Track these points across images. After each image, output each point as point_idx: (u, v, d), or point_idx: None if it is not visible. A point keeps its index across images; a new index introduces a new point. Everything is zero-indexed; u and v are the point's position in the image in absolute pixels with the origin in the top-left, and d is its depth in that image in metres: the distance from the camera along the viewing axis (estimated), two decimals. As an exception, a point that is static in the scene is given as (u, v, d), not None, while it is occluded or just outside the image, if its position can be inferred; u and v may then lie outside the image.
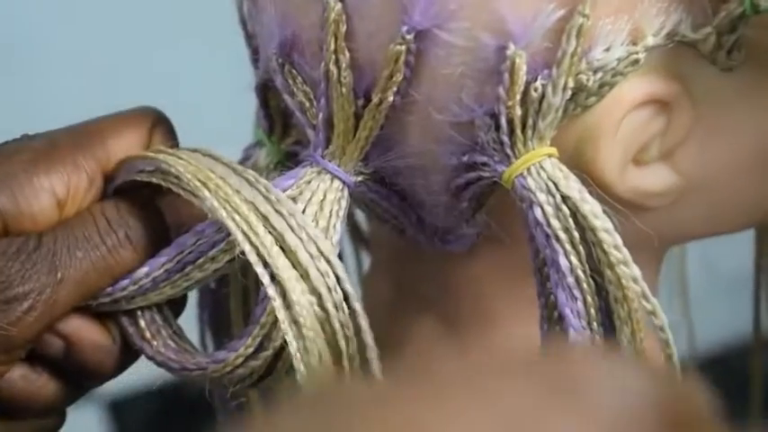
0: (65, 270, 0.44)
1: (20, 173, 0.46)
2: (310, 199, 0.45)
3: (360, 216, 0.61)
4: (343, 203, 0.46)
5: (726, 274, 1.29)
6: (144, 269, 0.45)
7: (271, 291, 0.42)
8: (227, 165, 0.45)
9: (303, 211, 0.45)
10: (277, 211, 0.42)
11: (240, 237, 0.42)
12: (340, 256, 0.59)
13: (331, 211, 0.45)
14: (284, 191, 0.45)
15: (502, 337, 0.52)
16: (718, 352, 1.38)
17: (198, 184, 0.43)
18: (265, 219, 0.42)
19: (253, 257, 0.41)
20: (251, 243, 0.41)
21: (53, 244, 0.45)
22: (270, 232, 0.43)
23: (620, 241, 0.43)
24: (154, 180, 0.46)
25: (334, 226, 0.45)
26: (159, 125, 0.49)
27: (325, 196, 0.45)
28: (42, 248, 0.44)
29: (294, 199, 0.45)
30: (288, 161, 0.50)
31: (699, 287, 0.82)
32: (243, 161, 0.52)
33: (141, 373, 0.51)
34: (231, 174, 0.44)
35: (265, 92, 0.50)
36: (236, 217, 0.42)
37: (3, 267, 0.44)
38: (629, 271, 0.43)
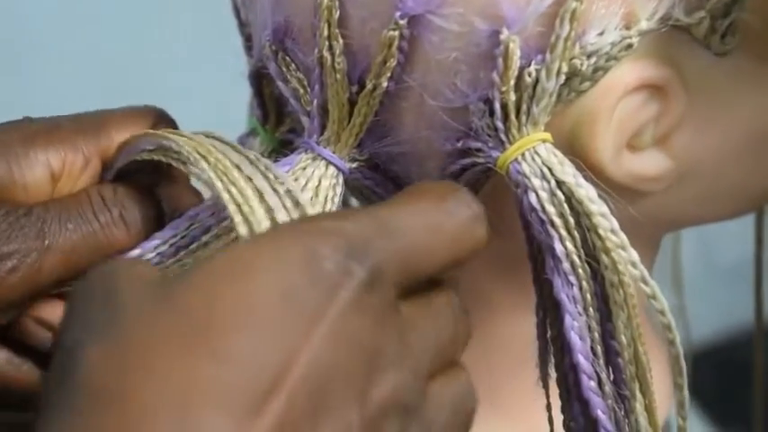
0: (53, 238, 0.44)
1: (16, 144, 0.46)
2: (306, 185, 0.45)
3: (355, 205, 0.61)
4: (338, 189, 0.46)
5: (722, 264, 1.30)
6: (136, 251, 0.45)
7: None
8: (229, 143, 0.45)
9: None
10: (273, 189, 0.42)
11: (233, 208, 0.41)
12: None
13: (326, 197, 0.45)
14: None
15: (498, 325, 0.52)
16: (715, 342, 1.38)
17: (197, 156, 0.43)
18: (260, 195, 0.42)
19: (243, 230, 0.41)
20: (243, 216, 0.41)
21: (44, 213, 0.44)
22: (264, 208, 0.42)
23: (616, 225, 0.43)
24: (154, 158, 0.45)
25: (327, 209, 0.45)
26: (162, 123, 0.48)
27: (320, 182, 0.45)
28: (32, 215, 0.44)
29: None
30: (282, 149, 0.50)
31: (696, 278, 0.82)
32: (237, 150, 0.52)
33: None
34: (232, 151, 0.44)
35: (259, 80, 0.50)
36: (233, 189, 0.42)
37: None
38: (626, 255, 0.43)
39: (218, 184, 0.42)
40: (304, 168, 0.46)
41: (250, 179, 0.42)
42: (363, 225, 0.36)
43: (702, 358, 1.32)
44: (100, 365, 0.33)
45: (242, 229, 0.40)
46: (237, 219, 0.41)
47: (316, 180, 0.45)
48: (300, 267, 0.35)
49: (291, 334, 0.34)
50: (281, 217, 0.41)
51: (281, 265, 0.34)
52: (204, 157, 0.43)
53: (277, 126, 0.51)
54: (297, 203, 0.41)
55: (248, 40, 0.50)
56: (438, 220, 0.38)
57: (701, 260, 1.28)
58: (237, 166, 0.42)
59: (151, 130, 0.46)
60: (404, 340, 0.36)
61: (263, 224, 0.40)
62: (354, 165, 0.47)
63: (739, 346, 1.35)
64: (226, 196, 0.41)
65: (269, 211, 0.41)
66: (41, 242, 0.44)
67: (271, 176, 0.42)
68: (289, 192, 0.42)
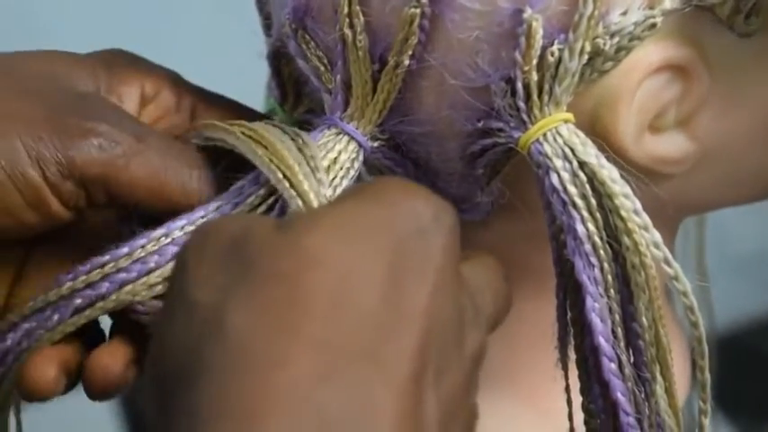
0: (148, 151, 0.44)
1: (120, 60, 0.48)
2: (325, 156, 0.45)
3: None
4: (356, 165, 0.46)
5: (739, 254, 1.29)
6: (200, 212, 0.45)
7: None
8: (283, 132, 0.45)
9: None
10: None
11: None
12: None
13: (341, 168, 0.45)
14: None
15: (517, 307, 0.51)
16: (731, 331, 1.38)
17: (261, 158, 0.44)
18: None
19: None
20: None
21: (147, 128, 0.45)
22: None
23: (639, 206, 0.42)
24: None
25: (335, 188, 0.45)
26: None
27: (339, 155, 0.45)
28: (138, 122, 0.45)
29: None
30: (300, 130, 0.49)
31: (711, 267, 0.82)
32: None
33: None
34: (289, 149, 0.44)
35: (278, 59, 0.49)
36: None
37: (97, 103, 0.45)
38: (649, 236, 0.42)
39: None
40: (326, 143, 0.45)
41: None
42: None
43: (719, 346, 1.32)
44: (250, 332, 0.34)
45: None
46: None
47: (335, 153, 0.45)
48: (406, 221, 0.37)
49: (413, 287, 0.36)
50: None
51: (391, 221, 0.37)
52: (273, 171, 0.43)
53: (295, 106, 0.50)
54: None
55: (267, 18, 0.50)
56: None
57: (717, 250, 1.28)
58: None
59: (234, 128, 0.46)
60: (473, 298, 0.39)
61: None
62: (375, 144, 0.46)
63: (754, 334, 1.35)
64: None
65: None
66: (137, 144, 0.44)
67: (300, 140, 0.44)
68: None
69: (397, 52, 0.43)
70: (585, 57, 0.43)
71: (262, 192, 0.44)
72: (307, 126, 0.50)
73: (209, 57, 1.11)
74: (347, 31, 0.44)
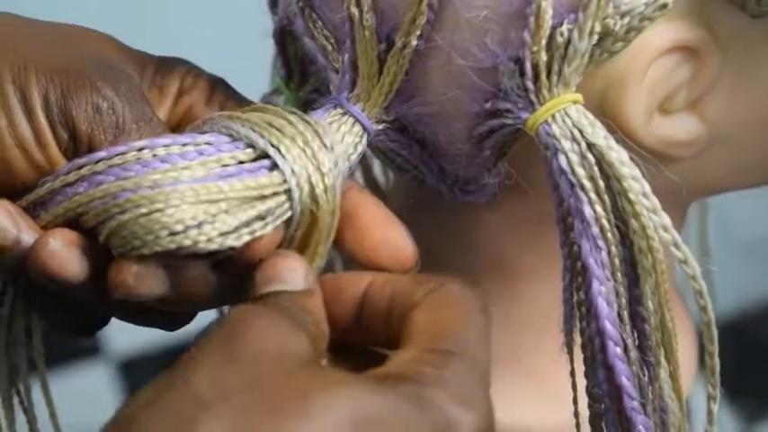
0: (137, 134, 0.44)
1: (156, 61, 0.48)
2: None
3: (377, 170, 0.61)
4: (360, 149, 0.45)
5: (742, 239, 1.29)
6: (165, 140, 0.43)
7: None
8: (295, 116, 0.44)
9: None
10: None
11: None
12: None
13: (344, 152, 0.44)
14: None
15: (523, 290, 0.51)
16: (735, 316, 1.37)
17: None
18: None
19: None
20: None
21: (155, 118, 0.45)
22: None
23: (648, 189, 0.42)
24: None
25: (340, 171, 0.44)
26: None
27: (343, 138, 0.45)
28: (147, 107, 0.45)
29: None
30: (305, 109, 0.49)
31: (716, 251, 0.82)
32: (261, 109, 0.51)
33: (153, 333, 0.50)
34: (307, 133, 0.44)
35: (283, 38, 0.49)
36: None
37: (118, 75, 0.45)
38: (657, 219, 0.42)
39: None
40: (331, 124, 0.45)
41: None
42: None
43: (719, 332, 1.32)
44: None
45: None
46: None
47: (339, 135, 0.45)
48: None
49: None
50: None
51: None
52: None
53: (301, 85, 0.50)
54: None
55: (274, -4, 0.49)
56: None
57: (719, 233, 1.28)
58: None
59: (237, 115, 0.45)
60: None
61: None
62: (380, 126, 0.46)
63: (754, 320, 1.35)
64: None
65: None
66: (132, 123, 0.44)
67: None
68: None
69: (405, 32, 0.43)
70: (595, 37, 0.42)
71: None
72: (312, 105, 0.49)
73: (216, 36, 1.10)
74: (354, 10, 0.43)
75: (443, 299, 0.41)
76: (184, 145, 0.43)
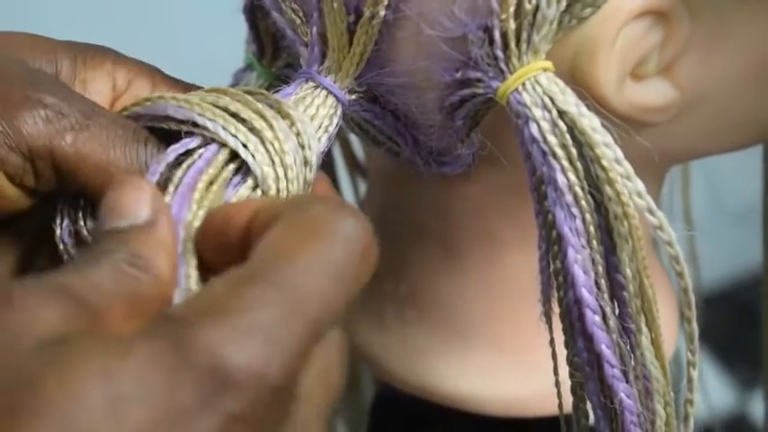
0: (94, 126, 0.42)
1: (90, 50, 0.46)
2: (304, 112, 0.44)
3: (356, 145, 0.60)
4: (335, 120, 0.45)
5: (732, 206, 1.29)
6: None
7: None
8: (248, 95, 0.44)
9: None
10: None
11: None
12: (334, 184, 0.59)
13: (321, 125, 0.44)
14: None
15: (501, 260, 0.51)
16: (724, 284, 1.37)
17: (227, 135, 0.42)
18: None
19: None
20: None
21: (97, 106, 0.43)
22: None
23: (621, 155, 0.42)
24: (182, 129, 0.43)
25: (319, 139, 0.44)
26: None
27: (317, 111, 0.44)
28: (84, 99, 0.43)
29: None
30: (279, 84, 0.49)
31: (705, 220, 0.81)
32: (233, 85, 0.51)
33: None
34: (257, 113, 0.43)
35: (253, 13, 0.48)
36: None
37: (45, 78, 0.43)
38: (632, 185, 0.42)
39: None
40: (303, 98, 0.45)
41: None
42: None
43: (712, 300, 1.32)
44: None
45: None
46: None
47: (313, 109, 0.45)
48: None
49: None
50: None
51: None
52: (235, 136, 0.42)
53: (273, 60, 0.50)
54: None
55: (241, -29, 0.49)
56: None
57: (710, 202, 1.27)
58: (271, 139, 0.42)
59: (178, 96, 0.44)
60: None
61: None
62: (353, 97, 0.46)
63: (749, 288, 1.35)
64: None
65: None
66: (84, 119, 0.42)
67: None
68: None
69: (373, 3, 0.43)
70: (564, 3, 0.42)
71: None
72: (285, 80, 0.49)
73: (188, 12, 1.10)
74: (321, -18, 0.43)
75: (308, 221, 0.35)
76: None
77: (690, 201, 0.74)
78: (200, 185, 0.40)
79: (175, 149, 0.42)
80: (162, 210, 0.38)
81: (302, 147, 0.43)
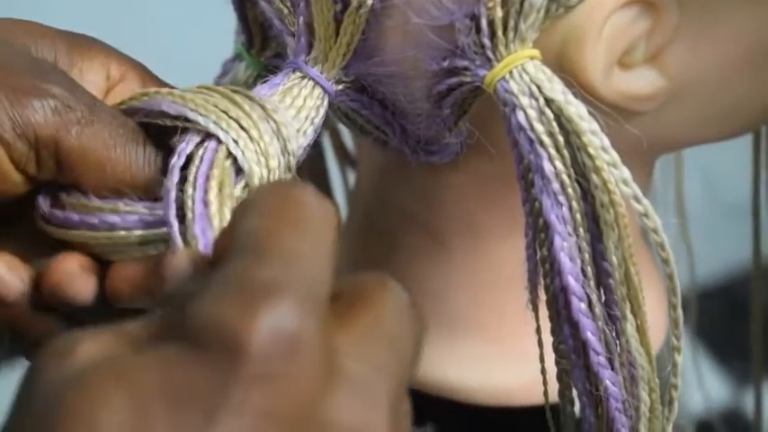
0: (99, 123, 0.43)
1: (84, 41, 0.47)
2: (292, 104, 0.45)
3: (346, 135, 0.61)
4: (321, 112, 0.45)
5: (727, 200, 1.29)
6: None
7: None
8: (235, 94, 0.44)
9: None
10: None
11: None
12: (323, 174, 0.59)
13: (307, 117, 0.45)
14: (268, 97, 0.45)
15: (488, 249, 0.51)
16: (718, 279, 1.37)
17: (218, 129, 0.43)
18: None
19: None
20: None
21: (100, 102, 0.44)
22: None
23: (607, 143, 0.42)
24: (177, 124, 0.44)
25: (305, 132, 0.45)
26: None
27: (304, 102, 0.45)
28: (88, 93, 0.44)
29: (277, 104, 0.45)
30: (268, 74, 0.49)
31: (700, 214, 0.82)
32: (222, 75, 0.51)
33: None
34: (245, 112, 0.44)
35: (242, 3, 0.49)
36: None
37: (51, 69, 0.44)
38: (618, 173, 0.42)
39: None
40: (291, 88, 0.45)
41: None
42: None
43: (708, 295, 1.32)
44: None
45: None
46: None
47: (301, 100, 0.45)
48: None
49: None
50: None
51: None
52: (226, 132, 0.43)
53: (262, 50, 0.50)
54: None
55: (230, -40, 0.49)
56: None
57: (705, 197, 1.27)
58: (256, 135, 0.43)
59: (174, 92, 0.45)
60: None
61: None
62: (340, 87, 0.46)
63: (744, 283, 1.35)
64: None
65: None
66: (90, 114, 0.43)
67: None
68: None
69: (359, -9, 0.43)
70: (551, -9, 0.42)
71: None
72: (274, 70, 0.49)
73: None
74: (307, -29, 0.43)
75: (265, 203, 0.35)
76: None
77: (683, 194, 0.74)
78: (212, 197, 0.41)
79: (177, 164, 0.43)
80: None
81: (286, 153, 0.44)
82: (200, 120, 0.43)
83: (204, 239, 0.40)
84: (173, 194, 0.42)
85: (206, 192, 0.41)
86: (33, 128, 0.42)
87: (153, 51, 0.49)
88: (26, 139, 0.42)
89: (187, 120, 0.43)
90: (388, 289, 0.35)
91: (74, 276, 0.43)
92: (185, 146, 0.43)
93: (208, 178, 0.42)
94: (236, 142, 0.42)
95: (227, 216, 0.41)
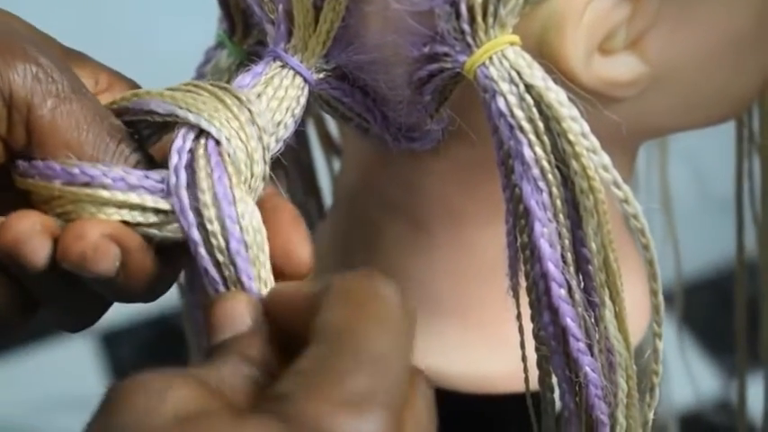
0: (77, 104, 0.43)
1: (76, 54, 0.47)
2: (274, 95, 0.44)
3: (331, 124, 0.61)
4: (302, 102, 0.45)
5: (720, 194, 1.29)
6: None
7: None
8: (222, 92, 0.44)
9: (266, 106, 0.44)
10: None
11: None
12: (309, 166, 0.59)
13: (288, 108, 0.45)
14: (250, 87, 0.44)
15: (470, 236, 0.51)
16: (709, 272, 1.37)
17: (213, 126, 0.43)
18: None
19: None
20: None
21: (87, 89, 0.44)
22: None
23: (587, 128, 0.42)
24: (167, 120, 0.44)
25: (285, 125, 0.45)
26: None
27: (286, 92, 0.45)
28: (77, 77, 0.44)
29: (259, 95, 0.44)
30: (249, 62, 0.49)
31: (693, 209, 0.82)
32: (204, 63, 0.51)
33: (135, 306, 0.50)
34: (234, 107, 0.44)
35: (223, -10, 0.48)
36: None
37: (45, 44, 0.44)
38: (597, 158, 0.42)
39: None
40: (272, 77, 0.45)
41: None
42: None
43: (699, 287, 1.32)
44: None
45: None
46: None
47: (282, 90, 0.45)
48: None
49: None
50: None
51: None
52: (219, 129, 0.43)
53: (244, 38, 0.50)
54: None
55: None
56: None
57: (696, 190, 1.28)
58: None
59: (164, 92, 0.44)
60: None
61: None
62: (321, 75, 0.46)
63: (732, 276, 1.35)
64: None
65: None
66: (71, 93, 0.43)
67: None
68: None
69: (339, -23, 0.43)
70: (530, -23, 0.42)
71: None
72: (257, 57, 0.49)
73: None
74: (286, -43, 0.43)
75: (352, 293, 0.38)
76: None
77: (668, 185, 0.74)
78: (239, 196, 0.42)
79: (181, 164, 0.42)
80: (258, 316, 0.41)
81: (266, 149, 0.44)
82: (191, 117, 0.43)
83: (248, 279, 0.42)
84: (185, 196, 0.42)
85: (228, 199, 0.42)
86: (9, 86, 0.42)
87: (136, 43, 0.49)
88: (2, 97, 0.42)
89: (177, 117, 0.43)
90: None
91: (30, 235, 0.41)
92: (182, 144, 0.43)
93: (226, 186, 0.42)
94: (228, 140, 0.42)
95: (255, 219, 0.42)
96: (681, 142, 0.55)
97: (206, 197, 0.41)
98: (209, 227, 0.41)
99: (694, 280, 1.32)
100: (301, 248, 0.43)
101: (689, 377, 0.92)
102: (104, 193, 0.42)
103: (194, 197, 0.42)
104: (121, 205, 0.42)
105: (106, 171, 0.42)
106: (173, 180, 0.42)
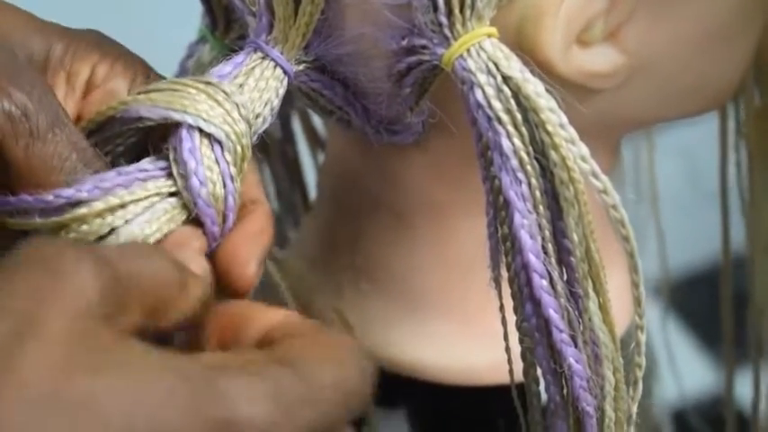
0: (51, 145, 0.42)
1: (82, 39, 0.46)
2: (255, 86, 0.45)
3: (316, 118, 0.61)
4: (281, 92, 0.45)
5: (712, 188, 1.29)
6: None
7: None
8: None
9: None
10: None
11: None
12: (295, 160, 0.59)
13: (267, 101, 0.45)
14: (231, 77, 0.44)
15: (452, 228, 0.51)
16: (704, 265, 1.37)
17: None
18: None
19: None
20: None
21: (69, 123, 0.43)
22: None
23: (565, 119, 0.42)
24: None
25: (264, 117, 0.45)
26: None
27: (267, 84, 0.45)
28: (59, 109, 0.43)
29: (241, 86, 0.44)
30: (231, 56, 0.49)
31: (686, 203, 0.82)
32: (187, 58, 0.51)
33: None
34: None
35: (204, -16, 0.49)
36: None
37: (27, 74, 0.43)
38: (576, 149, 0.42)
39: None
40: (252, 68, 0.45)
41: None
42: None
43: (693, 281, 1.32)
44: None
45: None
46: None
47: (263, 81, 0.45)
48: None
49: None
50: None
51: None
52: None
53: (226, 32, 0.50)
54: None
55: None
56: None
57: (689, 184, 1.28)
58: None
59: (151, 96, 0.44)
60: None
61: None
62: (301, 67, 0.46)
63: (735, 270, 1.34)
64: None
65: None
66: (46, 132, 0.42)
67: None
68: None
69: (318, -29, 0.43)
70: (507, -31, 0.42)
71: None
72: (238, 52, 0.49)
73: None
74: (265, -50, 0.43)
75: (327, 339, 0.39)
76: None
77: (656, 178, 0.74)
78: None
79: (199, 168, 0.43)
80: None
81: (251, 135, 0.44)
82: (189, 119, 0.43)
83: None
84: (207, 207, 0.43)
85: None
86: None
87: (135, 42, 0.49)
88: None
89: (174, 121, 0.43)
90: None
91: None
92: (184, 137, 0.43)
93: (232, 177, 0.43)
94: (227, 137, 0.43)
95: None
96: (678, 138, 0.55)
97: (213, 175, 0.43)
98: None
99: (689, 274, 1.32)
100: (246, 263, 0.43)
101: (685, 370, 0.92)
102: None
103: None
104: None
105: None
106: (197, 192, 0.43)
